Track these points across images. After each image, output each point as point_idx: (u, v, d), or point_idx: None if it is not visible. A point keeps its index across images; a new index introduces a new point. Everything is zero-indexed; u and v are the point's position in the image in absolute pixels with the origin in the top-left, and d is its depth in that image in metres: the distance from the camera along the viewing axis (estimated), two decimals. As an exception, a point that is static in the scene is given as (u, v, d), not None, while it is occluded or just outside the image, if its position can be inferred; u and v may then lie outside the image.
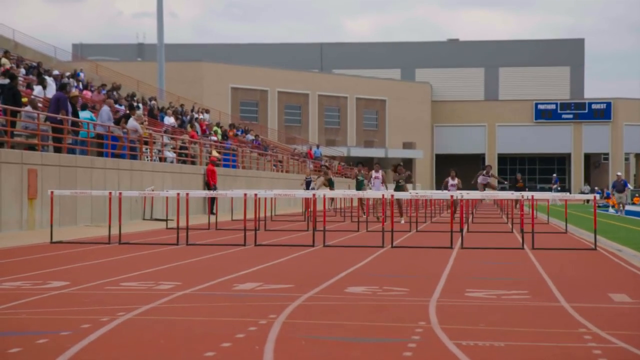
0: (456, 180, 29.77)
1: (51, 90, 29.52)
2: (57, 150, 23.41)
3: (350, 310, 8.29)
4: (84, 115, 26.37)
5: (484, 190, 30.60)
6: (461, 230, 17.78)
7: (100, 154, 25.97)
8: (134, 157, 28.49)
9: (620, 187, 37.94)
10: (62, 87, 25.07)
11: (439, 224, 25.60)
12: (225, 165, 38.53)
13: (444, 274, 11.54)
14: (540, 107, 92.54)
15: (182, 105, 50.42)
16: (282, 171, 50.82)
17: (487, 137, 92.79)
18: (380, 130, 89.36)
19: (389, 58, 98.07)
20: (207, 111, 52.37)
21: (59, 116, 23.43)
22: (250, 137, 55.84)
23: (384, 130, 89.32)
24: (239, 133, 54.75)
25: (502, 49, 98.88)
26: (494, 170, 41.60)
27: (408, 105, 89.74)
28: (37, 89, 29.64)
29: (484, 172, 32.32)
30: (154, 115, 41.28)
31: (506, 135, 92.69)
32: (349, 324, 7.44)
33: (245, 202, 18.26)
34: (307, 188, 35.50)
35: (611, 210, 42.13)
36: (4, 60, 32.87)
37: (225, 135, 47.65)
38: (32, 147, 22.54)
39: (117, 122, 28.82)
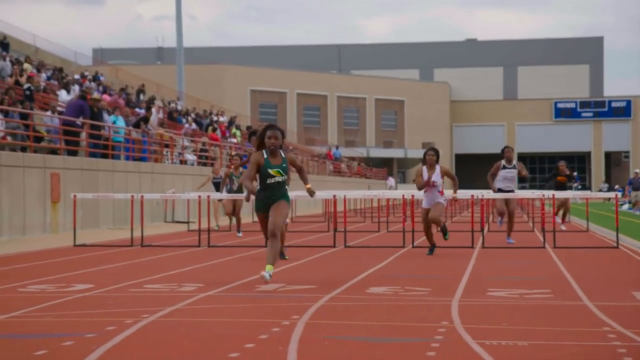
0: (437, 171, 14.62)
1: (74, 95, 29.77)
2: (72, 153, 23.50)
3: (373, 310, 8.31)
4: (115, 120, 26.70)
5: (509, 190, 17.71)
6: (482, 230, 17.75)
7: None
8: (154, 159, 28.63)
9: (637, 184, 37.73)
10: (82, 96, 25.22)
11: (460, 224, 25.55)
12: (244, 167, 38.57)
13: (466, 274, 11.54)
14: (560, 105, 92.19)
15: (204, 112, 50.51)
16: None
17: (507, 137, 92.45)
18: (399, 130, 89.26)
19: (407, 58, 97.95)
20: (223, 113, 52.47)
21: (79, 120, 23.59)
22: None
23: (402, 130, 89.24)
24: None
25: (520, 48, 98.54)
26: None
27: (427, 105, 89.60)
28: (62, 94, 29.86)
29: (504, 161, 17.67)
30: (173, 118, 41.42)
31: (526, 134, 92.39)
32: (372, 324, 7.46)
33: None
34: (217, 190, 23.92)
35: (625, 207, 41.80)
36: (26, 65, 33.10)
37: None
38: (54, 151, 22.68)
39: (136, 125, 28.99)
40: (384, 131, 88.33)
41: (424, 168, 14.59)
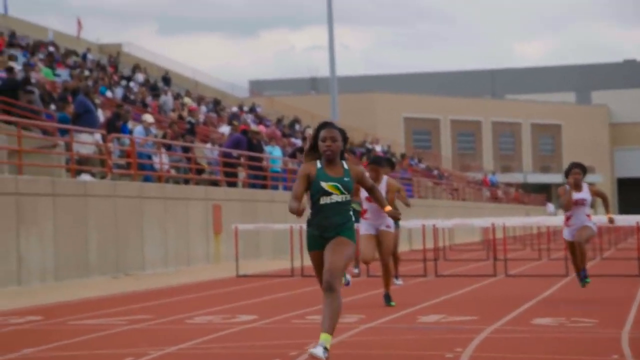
0: (586, 190, 11.83)
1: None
2: (232, 184, 24.06)
3: (539, 343, 8.13)
4: (272, 150, 27.35)
5: None
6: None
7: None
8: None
9: None
10: (244, 132, 25.92)
11: (624, 251, 24.74)
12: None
13: (635, 304, 11.14)
14: None
15: (359, 141, 50.82)
16: (458, 199, 50.42)
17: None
18: (557, 155, 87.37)
19: (562, 81, 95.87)
20: (378, 141, 52.69)
21: (236, 151, 24.25)
22: (422, 165, 55.76)
23: (560, 155, 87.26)
24: (413, 163, 54.78)
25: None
26: None
27: (585, 129, 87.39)
28: (225, 129, 30.74)
29: None
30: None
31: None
32: (539, 357, 7.30)
33: (424, 232, 18.18)
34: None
35: None
36: (186, 99, 34.24)
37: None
38: (215, 183, 23.32)
39: (292, 155, 29.53)
40: (540, 156, 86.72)
41: (567, 188, 11.69)
